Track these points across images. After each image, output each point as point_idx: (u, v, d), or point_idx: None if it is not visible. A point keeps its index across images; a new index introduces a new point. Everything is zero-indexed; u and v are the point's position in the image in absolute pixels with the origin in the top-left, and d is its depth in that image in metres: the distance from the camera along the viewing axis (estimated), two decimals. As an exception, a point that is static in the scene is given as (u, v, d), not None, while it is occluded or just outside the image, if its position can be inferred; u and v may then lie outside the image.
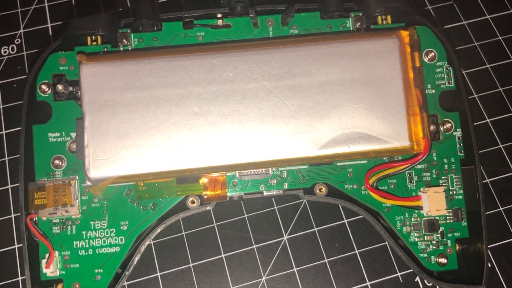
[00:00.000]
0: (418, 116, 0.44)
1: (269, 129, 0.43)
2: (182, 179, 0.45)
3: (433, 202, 0.45)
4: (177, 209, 0.45)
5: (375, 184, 0.46)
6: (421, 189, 0.46)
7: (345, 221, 0.50)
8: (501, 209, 0.51)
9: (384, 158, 0.46)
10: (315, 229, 0.50)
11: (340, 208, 0.51)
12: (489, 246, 0.49)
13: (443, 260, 0.45)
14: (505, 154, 0.53)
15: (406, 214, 0.46)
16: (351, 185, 0.46)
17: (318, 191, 0.46)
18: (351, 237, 0.50)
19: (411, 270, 0.49)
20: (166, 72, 0.44)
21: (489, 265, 0.46)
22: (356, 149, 0.44)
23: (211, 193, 0.45)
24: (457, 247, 0.46)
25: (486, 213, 0.47)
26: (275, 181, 0.46)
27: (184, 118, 0.43)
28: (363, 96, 0.44)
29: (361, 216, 0.50)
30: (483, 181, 0.51)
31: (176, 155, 0.43)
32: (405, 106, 0.44)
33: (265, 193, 0.46)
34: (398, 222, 0.46)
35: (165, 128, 0.43)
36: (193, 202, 0.45)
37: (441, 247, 0.46)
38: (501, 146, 0.54)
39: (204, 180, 0.45)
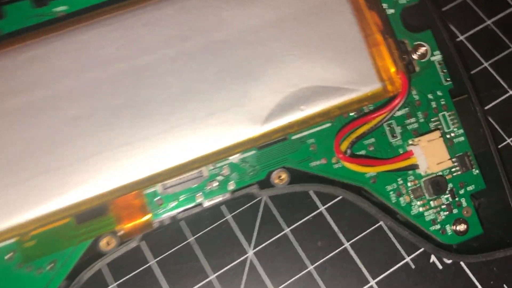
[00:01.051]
0: (382, 45, 0.32)
1: (187, 114, 0.30)
2: (83, 216, 0.31)
3: (431, 155, 0.33)
4: (90, 257, 0.32)
5: (349, 151, 0.33)
6: (410, 142, 0.34)
7: (322, 209, 0.38)
8: (508, 140, 0.40)
9: (352, 114, 0.34)
10: (286, 230, 0.37)
11: (312, 194, 0.38)
12: None
13: (462, 227, 0.34)
14: (493, 72, 0.42)
15: (399, 179, 0.34)
16: (318, 160, 0.33)
17: (277, 180, 0.33)
18: (335, 227, 0.37)
19: (422, 250, 0.37)
20: (17, 70, 0.30)
21: (517, 215, 0.35)
22: (313, 111, 0.31)
23: (128, 225, 0.31)
24: (475, 205, 0.35)
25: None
26: (215, 184, 0.33)
27: (59, 128, 0.29)
28: (303, 36, 0.31)
29: (341, 198, 0.38)
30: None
31: (60, 185, 0.29)
32: (362, 36, 0.32)
33: (206, 204, 0.33)
34: (391, 193, 0.34)
35: (34, 151, 0.29)
36: (108, 243, 0.31)
37: (455, 211, 0.34)
38: (485, 64, 0.42)
39: (114, 209, 0.31)
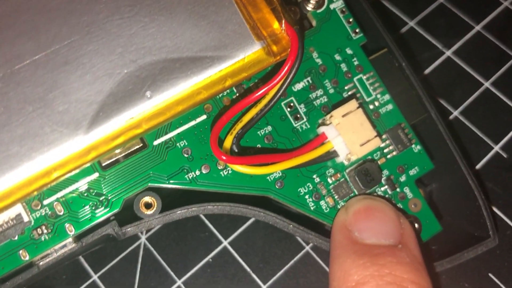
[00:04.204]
0: (254, -9, 0.22)
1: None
2: None
3: (350, 134, 0.23)
4: None
5: (235, 148, 0.23)
6: (320, 121, 0.24)
7: (225, 243, 0.27)
8: (455, 113, 0.31)
9: (231, 94, 0.24)
10: (179, 283, 0.27)
11: (207, 222, 0.28)
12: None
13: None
14: (422, 32, 0.33)
15: (315, 176, 0.24)
16: (197, 170, 0.23)
17: (142, 208, 0.23)
18: (247, 267, 0.27)
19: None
20: None
21: (482, 197, 0.26)
22: (165, 96, 0.21)
23: None
24: (423, 193, 0.25)
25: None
26: (46, 231, 0.22)
27: None
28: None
29: (249, 221, 0.27)
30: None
31: None
32: (223, -18, 0.22)
33: (41, 263, 0.22)
34: (307, 197, 0.24)
35: None
36: None
37: (399, 206, 0.24)
38: (411, 23, 0.34)
39: None
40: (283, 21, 0.22)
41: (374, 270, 0.20)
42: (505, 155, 0.30)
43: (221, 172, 0.23)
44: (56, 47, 0.20)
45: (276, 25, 0.22)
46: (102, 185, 0.22)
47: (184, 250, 0.27)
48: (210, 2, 0.22)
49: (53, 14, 0.20)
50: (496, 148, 0.30)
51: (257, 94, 0.22)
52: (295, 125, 0.24)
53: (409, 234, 0.22)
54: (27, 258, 0.22)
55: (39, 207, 0.22)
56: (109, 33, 0.21)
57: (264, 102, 0.23)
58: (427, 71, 0.32)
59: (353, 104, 0.24)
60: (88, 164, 0.21)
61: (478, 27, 0.34)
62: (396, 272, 0.20)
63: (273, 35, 0.22)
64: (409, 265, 0.21)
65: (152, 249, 0.27)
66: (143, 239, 0.27)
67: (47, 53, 0.20)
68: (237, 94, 0.24)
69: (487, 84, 0.32)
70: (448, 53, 0.33)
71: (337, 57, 0.25)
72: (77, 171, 0.20)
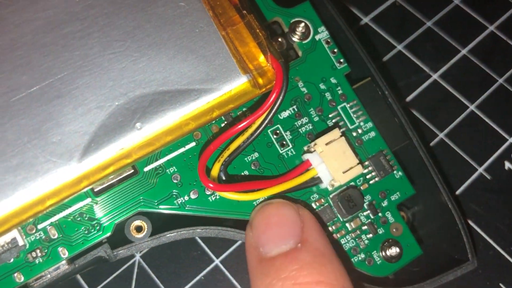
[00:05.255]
0: (241, 25, 0.23)
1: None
2: None
3: (333, 161, 0.24)
4: None
5: (222, 176, 0.24)
6: (305, 149, 0.25)
7: (217, 262, 0.28)
8: (441, 135, 0.32)
9: (220, 122, 0.25)
10: (171, 299, 0.27)
11: (200, 243, 0.29)
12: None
13: (394, 250, 0.25)
14: (410, 56, 0.34)
15: (300, 201, 0.25)
16: (184, 196, 0.24)
17: (133, 232, 0.24)
18: (238, 285, 0.28)
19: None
20: None
21: (462, 221, 0.27)
22: (155, 127, 0.22)
23: None
24: (405, 217, 0.26)
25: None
26: (40, 254, 0.23)
27: None
28: (126, 24, 0.22)
29: (238, 242, 0.28)
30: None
31: None
32: (211, 16, 0.23)
33: (35, 284, 0.23)
34: (292, 222, 0.25)
35: None
36: None
37: (380, 231, 0.25)
38: (399, 47, 0.35)
39: None
40: (269, 55, 0.23)
41: (279, 287, 0.20)
42: (488, 177, 0.31)
43: (209, 198, 0.24)
44: (50, 80, 0.21)
45: (261, 58, 0.23)
46: (95, 210, 0.23)
47: (177, 268, 0.28)
48: (198, 37, 0.23)
49: (48, 49, 0.22)
50: (480, 169, 0.31)
51: (242, 125, 0.23)
52: (281, 152, 0.25)
53: (310, 226, 0.21)
54: (22, 280, 0.23)
55: (33, 231, 0.23)
56: (100, 67, 0.22)
57: (250, 130, 0.24)
58: (414, 93, 0.33)
59: (336, 133, 0.25)
60: (81, 192, 0.22)
61: (464, 51, 0.35)
62: (299, 279, 0.20)
63: (259, 68, 0.23)
64: (311, 264, 0.20)
65: (146, 267, 0.28)
66: (137, 257, 0.28)
67: (42, 86, 0.21)
68: (226, 122, 0.25)
69: (472, 107, 0.33)
70: (435, 76, 0.34)
71: (322, 86, 0.26)
72: (70, 198, 0.21)
